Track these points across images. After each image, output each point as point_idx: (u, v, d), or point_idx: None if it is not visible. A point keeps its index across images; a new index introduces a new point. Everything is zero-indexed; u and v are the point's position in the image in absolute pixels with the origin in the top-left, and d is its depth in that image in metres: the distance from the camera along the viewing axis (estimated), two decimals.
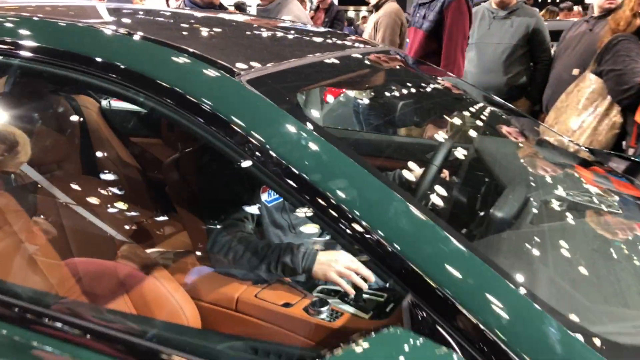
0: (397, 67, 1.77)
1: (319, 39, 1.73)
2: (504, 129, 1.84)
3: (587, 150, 1.96)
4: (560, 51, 3.37)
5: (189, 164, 1.76)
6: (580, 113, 2.64)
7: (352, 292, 1.33)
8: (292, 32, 1.73)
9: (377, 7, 4.06)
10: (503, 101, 2.17)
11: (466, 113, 1.83)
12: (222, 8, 4.14)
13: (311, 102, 2.31)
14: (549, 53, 3.53)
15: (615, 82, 2.55)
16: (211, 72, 1.05)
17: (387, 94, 1.82)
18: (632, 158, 1.87)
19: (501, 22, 3.52)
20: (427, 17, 3.27)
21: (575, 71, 3.20)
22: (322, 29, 2.10)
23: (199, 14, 1.80)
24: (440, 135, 1.66)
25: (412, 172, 1.52)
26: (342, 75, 1.43)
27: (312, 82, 1.36)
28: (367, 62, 1.56)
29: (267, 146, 0.93)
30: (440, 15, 3.20)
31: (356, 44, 1.71)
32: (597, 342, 0.80)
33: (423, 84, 1.84)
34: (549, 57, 3.52)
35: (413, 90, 1.80)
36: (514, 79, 3.51)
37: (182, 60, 1.07)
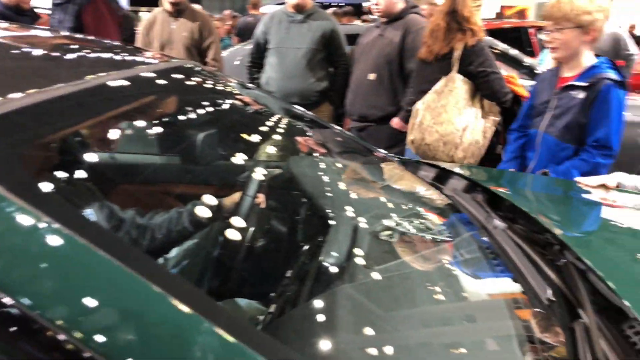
0: (187, 85, 1.50)
1: (77, 55, 1.34)
2: (309, 146, 1.70)
3: (398, 160, 1.92)
4: (357, 56, 3.42)
5: None
6: (461, 113, 2.67)
7: None
8: (38, 46, 1.31)
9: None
10: (304, 111, 2.05)
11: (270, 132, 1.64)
12: (34, 15, 3.36)
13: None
14: (346, 57, 3.57)
15: (499, 84, 2.66)
16: None
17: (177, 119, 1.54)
18: (441, 166, 1.87)
19: (299, 26, 3.46)
20: (63, 22, 2.98)
21: (371, 76, 3.27)
22: (80, 39, 1.69)
23: None
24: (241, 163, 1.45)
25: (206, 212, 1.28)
26: (112, 109, 1.10)
27: (65, 126, 0.98)
28: (150, 83, 1.25)
29: None
30: (78, 20, 2.96)
31: (140, 59, 1.39)
32: None
33: (219, 102, 1.61)
34: (346, 61, 3.56)
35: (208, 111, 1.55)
36: (316, 84, 3.48)
37: None
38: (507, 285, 1.09)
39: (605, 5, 2.03)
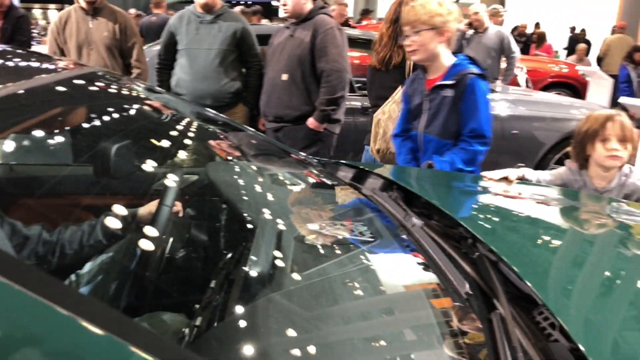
0: (96, 92, 1.43)
1: None
2: (227, 150, 1.67)
3: (317, 162, 1.94)
4: (270, 57, 3.41)
5: None
6: None
7: None
8: None
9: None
10: (216, 114, 2.02)
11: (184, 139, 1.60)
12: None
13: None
14: (258, 58, 3.55)
15: None
16: None
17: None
18: (360, 166, 1.91)
19: (209, 27, 3.39)
20: None
21: (284, 76, 3.27)
22: None
23: None
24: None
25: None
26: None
27: None
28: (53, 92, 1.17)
29: None
30: None
31: (41, 66, 1.31)
32: None
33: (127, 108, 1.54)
34: (259, 61, 3.54)
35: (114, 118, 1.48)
36: (229, 85, 3.43)
37: None
38: (428, 282, 1.13)
39: (454, 9, 2.23)
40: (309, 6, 3.30)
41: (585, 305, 1.08)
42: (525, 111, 4.53)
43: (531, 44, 13.12)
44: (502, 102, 4.56)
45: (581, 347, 0.86)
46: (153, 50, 3.99)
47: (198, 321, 1.05)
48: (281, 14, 7.55)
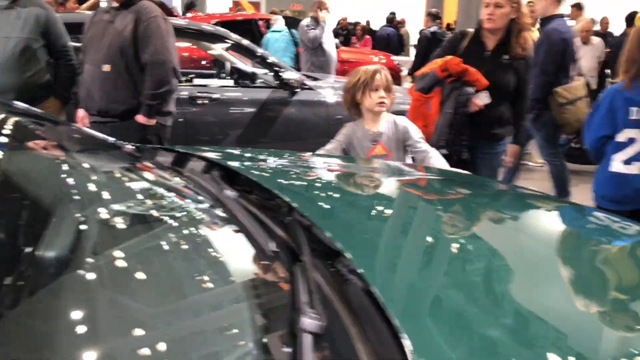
0: None
1: None
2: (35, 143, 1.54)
3: (133, 147, 1.87)
4: (87, 46, 3.18)
5: None
6: None
7: None
8: None
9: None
10: (27, 106, 1.85)
11: None
12: None
13: None
14: (68, 47, 3.30)
15: None
16: None
17: None
18: (178, 150, 1.88)
19: (6, 13, 3.07)
20: None
21: (105, 67, 3.08)
22: None
23: None
24: None
25: None
26: None
27: None
28: None
29: None
30: None
31: None
32: None
33: None
34: (69, 51, 3.30)
35: None
36: (35, 77, 3.14)
37: None
38: (240, 246, 1.16)
39: None
40: None
41: (381, 253, 1.20)
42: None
43: (352, 36, 14.06)
44: (328, 90, 4.82)
45: (373, 287, 0.96)
46: None
47: None
48: None
